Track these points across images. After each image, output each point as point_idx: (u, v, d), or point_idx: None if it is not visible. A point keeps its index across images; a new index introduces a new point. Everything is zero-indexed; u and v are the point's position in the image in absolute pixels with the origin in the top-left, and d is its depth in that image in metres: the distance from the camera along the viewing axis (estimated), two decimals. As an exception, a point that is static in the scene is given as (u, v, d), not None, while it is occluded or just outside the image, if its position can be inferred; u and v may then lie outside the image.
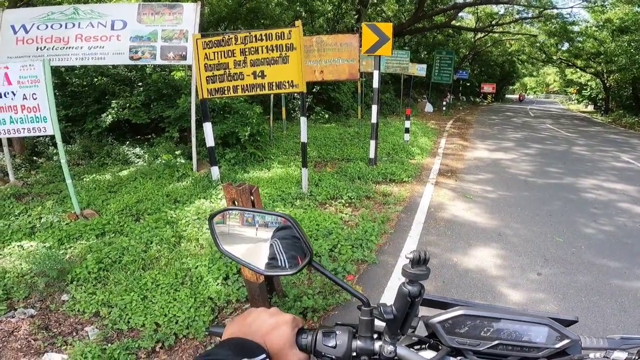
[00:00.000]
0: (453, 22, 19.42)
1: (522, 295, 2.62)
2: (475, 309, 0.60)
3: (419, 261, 0.53)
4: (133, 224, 3.43)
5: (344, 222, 3.66)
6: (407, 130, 8.01)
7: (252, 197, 2.01)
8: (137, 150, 5.91)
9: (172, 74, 6.54)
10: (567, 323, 0.63)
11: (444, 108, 17.00)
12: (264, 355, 0.49)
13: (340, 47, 6.21)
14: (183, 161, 5.06)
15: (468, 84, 25.88)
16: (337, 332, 0.58)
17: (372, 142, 5.70)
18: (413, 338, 0.64)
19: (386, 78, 14.98)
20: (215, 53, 3.94)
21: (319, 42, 6.27)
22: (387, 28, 5.35)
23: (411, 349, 0.58)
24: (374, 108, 5.59)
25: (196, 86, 4.34)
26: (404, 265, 0.55)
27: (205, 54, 4.00)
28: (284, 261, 0.65)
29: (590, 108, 29.15)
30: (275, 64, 3.76)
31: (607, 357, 0.56)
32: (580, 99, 32.84)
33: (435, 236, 3.53)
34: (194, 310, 2.27)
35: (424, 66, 14.83)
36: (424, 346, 0.63)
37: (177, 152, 5.09)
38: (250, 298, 2.28)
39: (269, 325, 0.54)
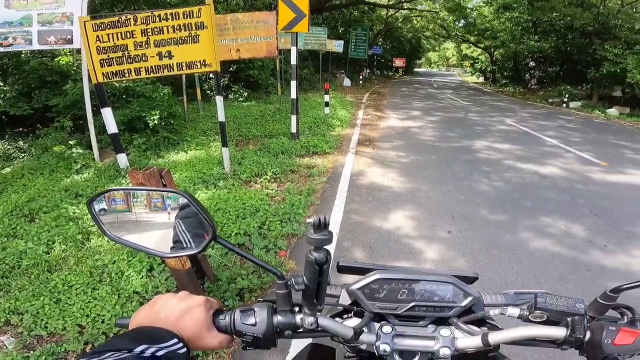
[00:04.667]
0: (368, -1, 19.95)
1: (438, 253, 2.85)
2: (389, 272, 0.62)
3: (320, 226, 0.50)
4: (27, 225, 2.99)
5: (270, 198, 3.66)
6: (326, 104, 8.25)
7: (163, 181, 1.87)
8: (21, 143, 5.13)
9: (56, 59, 5.81)
10: (470, 280, 0.68)
11: (361, 82, 17.93)
12: (175, 340, 0.46)
13: (257, 25, 6.02)
14: (81, 151, 4.48)
15: (382, 59, 27.29)
16: (256, 309, 0.56)
17: (293, 117, 5.75)
18: (338, 307, 0.66)
19: (305, 54, 14.94)
20: (110, 35, 3.59)
21: (234, 21, 5.99)
22: (304, 4, 5.27)
23: (333, 319, 0.59)
24: (293, 84, 5.62)
25: (88, 70, 3.85)
26: (307, 233, 0.51)
27: (97, 36, 3.61)
28: (189, 241, 0.59)
29: (482, 79, 33.34)
30: (184, 43, 3.57)
31: (504, 313, 0.58)
32: (474, 72, 37.30)
33: (358, 203, 3.75)
34: (119, 307, 2.11)
35: (341, 42, 15.14)
36: (350, 315, 0.65)
37: (71, 142, 4.48)
38: (179, 286, 2.17)
39: (180, 309, 0.51)
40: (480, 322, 0.63)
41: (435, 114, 10.03)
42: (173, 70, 3.66)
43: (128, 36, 3.56)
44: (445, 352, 0.57)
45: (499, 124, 8.78)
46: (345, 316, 0.65)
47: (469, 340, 0.57)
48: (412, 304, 0.60)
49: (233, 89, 9.74)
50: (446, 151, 5.92)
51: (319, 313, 0.57)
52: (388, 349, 0.57)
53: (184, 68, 3.67)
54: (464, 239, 3.06)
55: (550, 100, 15.24)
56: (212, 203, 3.32)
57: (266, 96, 10.70)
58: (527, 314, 0.57)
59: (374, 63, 25.10)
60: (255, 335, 0.55)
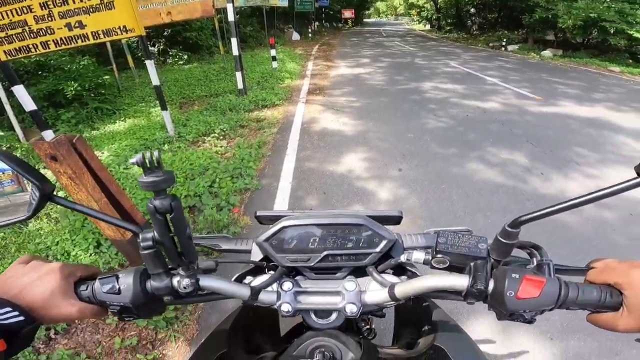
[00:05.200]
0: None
1: (390, 192, 2.87)
2: (296, 218, 0.54)
3: (151, 165, 0.40)
4: (-43, 218, 2.68)
5: (220, 156, 3.55)
6: (274, 58, 8.06)
7: (78, 150, 1.66)
8: None
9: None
10: (395, 220, 0.59)
11: (310, 35, 17.57)
12: (7, 309, 0.43)
13: (188, -15, 5.74)
14: (2, 133, 4.21)
15: (330, 12, 26.84)
16: (120, 276, 0.48)
17: (238, 74, 5.59)
18: (250, 265, 0.59)
19: (248, 12, 14.34)
20: (2, 13, 3.37)
21: (161, -16, 5.62)
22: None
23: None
24: (234, 41, 5.52)
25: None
26: (140, 177, 0.41)
27: None
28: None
29: (428, 27, 33.64)
30: (96, 11, 3.42)
31: (409, 259, 0.50)
32: (420, 20, 37.51)
33: (310, 151, 3.73)
34: (74, 289, 2.01)
35: (285, -4, 14.50)
36: (265, 272, 0.58)
37: (-12, 126, 4.09)
38: (128, 259, 2.07)
39: (29, 278, 0.47)
40: (403, 269, 0.55)
41: (384, 60, 10.05)
42: (88, 39, 3.50)
43: (25, 12, 3.38)
44: (352, 309, 0.50)
45: (444, 67, 8.98)
46: (259, 274, 0.58)
47: (375, 294, 0.50)
48: (325, 253, 0.53)
49: (171, 53, 9.25)
50: (395, 94, 6.00)
51: (211, 274, 0.50)
52: (290, 308, 0.50)
53: (102, 36, 3.50)
54: (414, 176, 3.12)
55: (490, 44, 15.77)
56: (157, 167, 3.16)
57: (209, 57, 10.26)
58: (430, 258, 0.48)
59: (322, 15, 24.58)
60: (122, 304, 0.48)
